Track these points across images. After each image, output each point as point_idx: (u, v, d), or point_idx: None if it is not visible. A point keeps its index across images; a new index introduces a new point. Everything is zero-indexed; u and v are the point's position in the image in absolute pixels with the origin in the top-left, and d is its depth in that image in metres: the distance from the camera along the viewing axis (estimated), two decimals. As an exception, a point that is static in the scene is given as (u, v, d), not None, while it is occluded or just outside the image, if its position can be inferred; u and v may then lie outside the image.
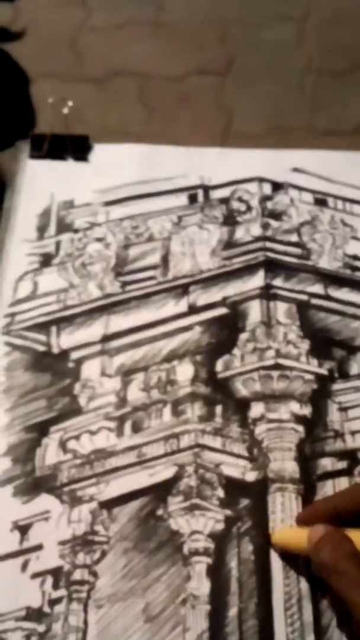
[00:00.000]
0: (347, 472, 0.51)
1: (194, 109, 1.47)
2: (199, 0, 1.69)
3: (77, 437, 0.53)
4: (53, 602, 0.46)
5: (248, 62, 1.58)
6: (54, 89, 1.42)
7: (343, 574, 0.41)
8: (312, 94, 1.53)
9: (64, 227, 0.64)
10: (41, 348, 0.58)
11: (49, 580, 0.47)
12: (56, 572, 0.47)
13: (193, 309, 0.59)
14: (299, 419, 0.53)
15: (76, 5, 1.69)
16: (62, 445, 0.53)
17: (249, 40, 1.63)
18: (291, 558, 0.47)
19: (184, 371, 0.56)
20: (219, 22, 1.64)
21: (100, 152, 0.70)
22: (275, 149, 0.70)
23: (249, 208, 0.65)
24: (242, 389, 0.55)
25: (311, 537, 0.44)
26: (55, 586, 0.47)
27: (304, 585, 0.47)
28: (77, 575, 0.47)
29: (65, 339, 0.58)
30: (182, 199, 0.66)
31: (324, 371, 0.55)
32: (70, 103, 0.69)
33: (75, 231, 0.64)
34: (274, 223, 0.64)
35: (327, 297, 0.60)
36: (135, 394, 0.55)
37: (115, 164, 0.69)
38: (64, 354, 0.57)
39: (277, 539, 0.48)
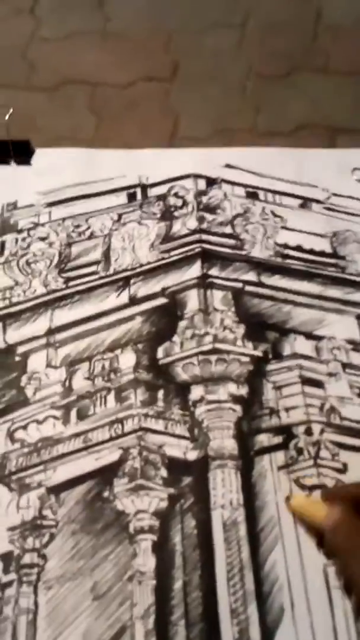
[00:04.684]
0: (283, 446, 0.51)
1: (141, 114, 1.47)
2: (144, 10, 1.68)
3: (24, 427, 0.52)
4: (3, 586, 0.46)
5: (192, 68, 1.58)
6: (7, 98, 1.40)
7: (356, 560, 0.41)
8: (253, 97, 1.53)
9: (8, 227, 0.63)
10: (-12, 344, 0.57)
11: (-1, 565, 0.46)
12: (6, 557, 0.47)
13: (134, 300, 0.59)
14: (236, 399, 0.53)
15: (26, 17, 1.66)
16: (10, 435, 0.52)
17: (193, 47, 1.63)
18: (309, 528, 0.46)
19: (127, 359, 0.55)
20: (164, 31, 1.64)
21: (42, 156, 0.69)
22: (207, 145, 0.70)
23: (185, 203, 0.65)
24: (182, 374, 0.55)
25: (326, 520, 0.43)
26: (6, 571, 0.46)
27: (245, 555, 0.47)
28: (27, 559, 0.47)
29: (11, 334, 0.57)
30: (122, 198, 0.66)
31: (258, 353, 0.56)
32: (10, 110, 0.68)
33: (19, 231, 0.63)
34: (208, 216, 0.64)
35: (260, 284, 0.60)
36: (80, 383, 0.54)
37: (57, 167, 0.68)
38: (11, 348, 0.56)
39: (295, 505, 0.46)
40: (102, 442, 0.51)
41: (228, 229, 0.63)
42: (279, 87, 1.56)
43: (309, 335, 0.57)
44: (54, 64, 1.57)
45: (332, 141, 1.33)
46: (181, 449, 0.51)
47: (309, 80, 1.52)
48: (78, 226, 0.64)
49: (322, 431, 0.51)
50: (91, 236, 0.63)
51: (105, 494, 0.49)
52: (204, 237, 0.63)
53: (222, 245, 0.62)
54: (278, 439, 0.51)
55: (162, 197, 0.66)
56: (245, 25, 1.66)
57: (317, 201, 0.65)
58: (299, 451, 0.50)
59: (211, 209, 0.65)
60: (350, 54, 1.49)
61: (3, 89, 1.46)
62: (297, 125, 1.44)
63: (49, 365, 0.55)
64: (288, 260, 0.62)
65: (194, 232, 0.63)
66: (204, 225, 0.63)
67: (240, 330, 0.57)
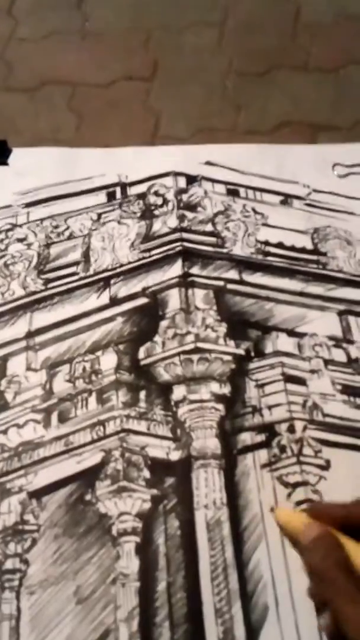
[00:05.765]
0: (266, 444, 0.51)
1: (122, 114, 1.45)
2: (123, 9, 1.68)
3: (4, 432, 0.51)
4: (-15, 593, 0.45)
5: (172, 67, 1.57)
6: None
7: (331, 581, 0.36)
8: (233, 95, 1.53)
9: (-16, 229, 0.63)
10: (-34, 348, 0.56)
11: (-20, 572, 0.46)
12: (-13, 564, 0.46)
13: (115, 301, 0.59)
14: (218, 398, 0.53)
15: (3, 18, 1.65)
16: (-10, 440, 0.51)
17: (172, 45, 1.62)
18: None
19: (108, 360, 0.55)
20: (143, 29, 1.63)
21: (20, 155, 0.68)
22: (188, 144, 0.70)
23: (165, 201, 0.65)
24: (164, 374, 0.54)
25: (305, 535, 0.38)
26: (-13, 577, 0.46)
27: (229, 554, 0.47)
28: (9, 564, 0.46)
29: (-11, 338, 0.56)
30: (101, 197, 0.66)
31: (241, 351, 0.56)
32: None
33: (-4, 233, 0.63)
34: (189, 214, 0.64)
35: (242, 282, 0.60)
36: (61, 386, 0.54)
37: (35, 166, 0.67)
38: (-11, 352, 0.56)
39: (279, 515, 0.42)
40: (84, 445, 0.51)
41: (209, 227, 0.63)
42: (259, 85, 1.56)
43: (291, 333, 0.57)
44: (32, 65, 1.56)
45: (314, 139, 1.32)
46: (164, 450, 0.51)
47: (289, 78, 1.52)
48: (57, 226, 0.63)
49: (304, 428, 0.51)
50: (70, 236, 0.63)
51: (88, 496, 0.49)
52: (185, 235, 0.62)
53: (203, 243, 0.62)
54: (261, 437, 0.51)
55: (142, 196, 0.65)
56: (225, 24, 1.66)
57: (298, 197, 0.65)
58: (282, 449, 0.50)
59: (192, 207, 0.64)
60: (329, 51, 1.49)
61: (-19, 90, 1.44)
62: (279, 123, 1.44)
63: (28, 368, 0.55)
64: (269, 258, 0.61)
65: (174, 230, 0.63)
66: (185, 224, 0.63)
67: (222, 328, 0.57)
